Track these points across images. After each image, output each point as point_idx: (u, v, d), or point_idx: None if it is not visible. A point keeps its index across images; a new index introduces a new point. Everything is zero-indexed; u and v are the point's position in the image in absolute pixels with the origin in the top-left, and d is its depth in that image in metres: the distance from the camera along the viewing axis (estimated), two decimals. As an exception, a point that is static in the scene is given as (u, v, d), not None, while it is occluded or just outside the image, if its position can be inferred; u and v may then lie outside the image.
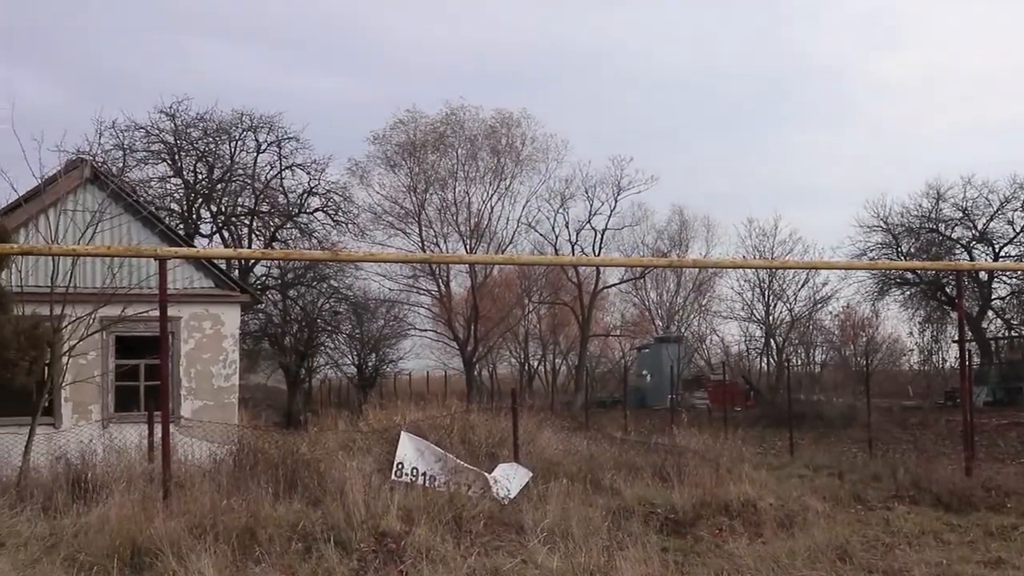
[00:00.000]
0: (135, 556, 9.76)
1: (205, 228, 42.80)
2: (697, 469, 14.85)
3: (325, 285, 42.79)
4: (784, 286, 47.11)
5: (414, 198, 47.99)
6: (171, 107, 41.69)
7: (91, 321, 16.75)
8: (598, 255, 48.43)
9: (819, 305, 47.30)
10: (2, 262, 15.00)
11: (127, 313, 17.42)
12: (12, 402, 17.55)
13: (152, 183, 41.56)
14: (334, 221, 44.33)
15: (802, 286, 47.06)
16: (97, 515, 10.53)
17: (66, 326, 16.25)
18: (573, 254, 48.01)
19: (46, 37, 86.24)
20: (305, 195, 44.01)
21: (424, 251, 45.71)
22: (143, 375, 20.79)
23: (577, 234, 49.37)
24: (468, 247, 47.25)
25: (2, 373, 14.55)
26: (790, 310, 47.29)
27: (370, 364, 45.62)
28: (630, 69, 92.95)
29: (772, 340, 46.98)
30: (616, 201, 48.90)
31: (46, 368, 16.08)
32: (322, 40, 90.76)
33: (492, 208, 48.52)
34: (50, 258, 16.73)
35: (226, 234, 42.83)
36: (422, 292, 51.10)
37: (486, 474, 14.41)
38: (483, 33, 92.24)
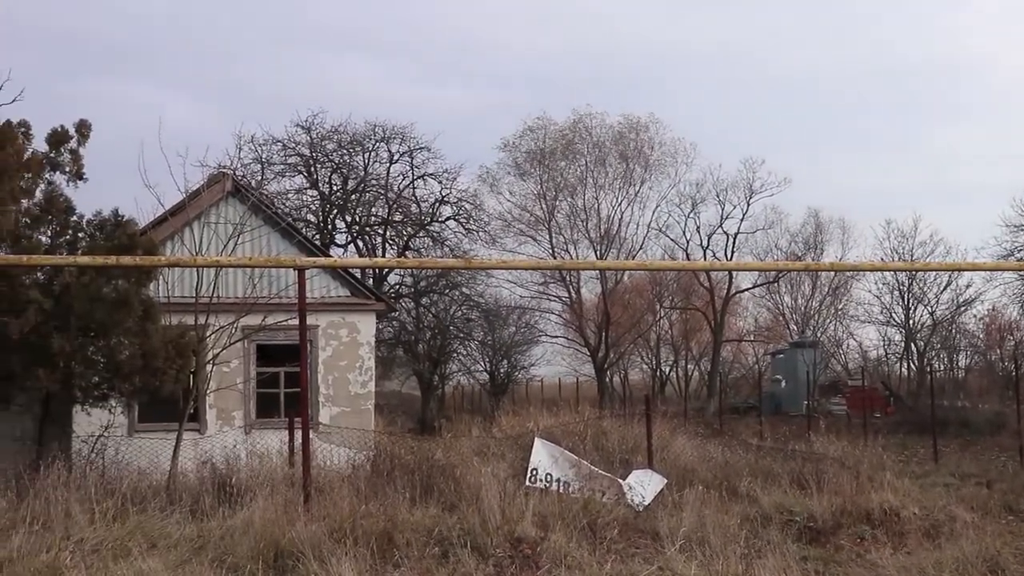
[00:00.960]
0: (278, 559, 9.96)
1: (340, 238, 43.81)
2: (836, 476, 14.50)
3: (457, 292, 43.27)
4: (925, 289, 45.60)
5: (544, 205, 48.14)
6: (307, 120, 42.81)
7: (233, 330, 17.28)
8: (730, 259, 47.77)
9: (963, 308, 45.68)
10: (150, 274, 15.58)
11: (267, 322, 17.93)
12: (160, 409, 18.25)
13: (289, 195, 42.72)
14: (465, 229, 44.81)
15: (944, 288, 45.44)
16: (242, 518, 10.80)
17: (210, 335, 16.79)
18: (705, 259, 47.44)
19: (189, 57, 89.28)
20: (437, 204, 44.60)
21: (554, 258, 45.78)
22: (283, 382, 21.34)
23: (709, 238, 48.84)
24: (598, 253, 47.13)
25: (151, 381, 15.10)
26: (931, 313, 45.75)
27: (502, 370, 45.90)
28: (760, 69, 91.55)
29: (913, 345, 45.58)
30: (748, 204, 48.17)
31: (191, 376, 16.63)
32: (451, 50, 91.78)
33: (622, 213, 48.34)
34: (195, 269, 17.34)
35: (360, 244, 43.69)
36: (553, 298, 51.22)
37: (620, 480, 14.35)
38: (607, 37, 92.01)
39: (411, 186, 44.72)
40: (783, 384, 44.79)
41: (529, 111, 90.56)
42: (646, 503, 13.62)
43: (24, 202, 14.82)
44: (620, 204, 48.21)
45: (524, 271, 47.93)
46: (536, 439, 15.16)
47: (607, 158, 47.90)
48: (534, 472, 14.47)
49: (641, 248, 48.49)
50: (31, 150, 14.95)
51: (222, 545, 10.36)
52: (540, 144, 47.93)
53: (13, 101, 15.19)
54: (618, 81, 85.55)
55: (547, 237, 48.06)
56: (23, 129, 14.74)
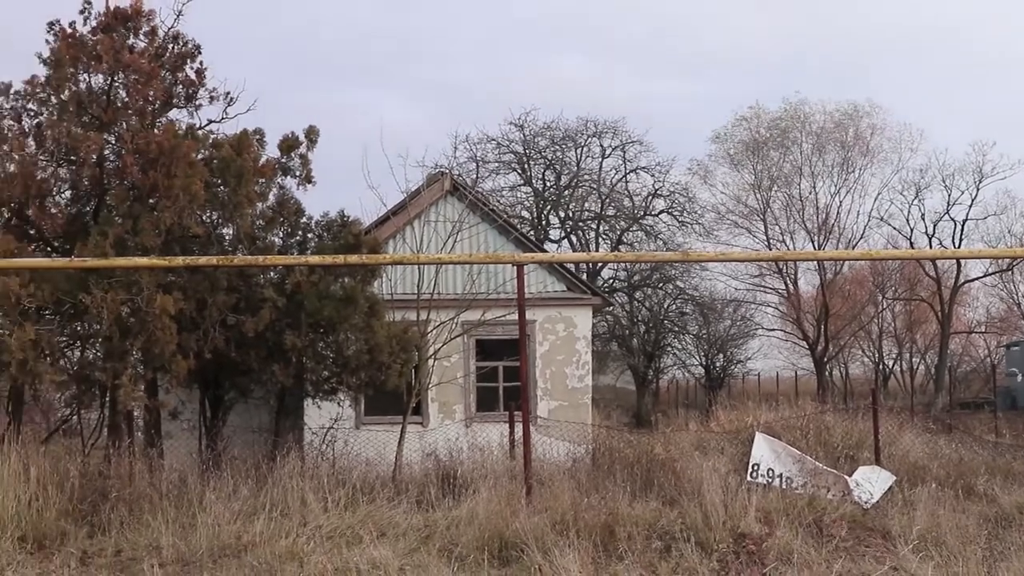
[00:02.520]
0: (502, 549, 10.10)
1: (554, 234, 44.34)
2: (1090, 476, 13.63)
3: (671, 286, 43.02)
4: None
5: (758, 196, 47.13)
6: (520, 118, 43.55)
7: (453, 325, 17.69)
8: (959, 247, 45.53)
9: None
10: (375, 272, 16.11)
11: (486, 317, 18.27)
12: (385, 402, 18.87)
13: (503, 192, 43.51)
14: (679, 222, 44.52)
15: None
16: (466, 509, 11.01)
17: (431, 331, 17.24)
18: (930, 247, 45.42)
19: (406, 60, 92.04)
20: (650, 197, 44.51)
21: (770, 249, 44.81)
22: (501, 376, 21.70)
23: (934, 226, 46.67)
24: (816, 243, 45.82)
25: (377, 375, 15.57)
26: None
27: (717, 364, 45.34)
28: (989, 47, 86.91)
29: None
30: (978, 189, 45.73)
31: (414, 370, 17.12)
32: (660, 43, 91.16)
33: (840, 202, 46.75)
34: (416, 267, 17.86)
35: (574, 239, 44.06)
36: (769, 291, 50.15)
37: (846, 477, 13.93)
38: (824, 24, 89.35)
39: (623, 180, 44.83)
40: (1020, 378, 42.50)
41: (740, 102, 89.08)
42: (874, 501, 13.16)
43: (259, 205, 15.56)
44: (839, 193, 46.72)
45: (739, 263, 47.10)
46: (757, 434, 14.89)
47: (825, 146, 46.46)
48: (755, 467, 14.20)
49: (862, 237, 46.89)
50: (265, 156, 15.69)
51: (448, 535, 10.61)
52: (753, 134, 47.01)
53: (248, 111, 16.02)
54: (832, 68, 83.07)
55: (762, 228, 47.09)
56: (257, 136, 15.48)
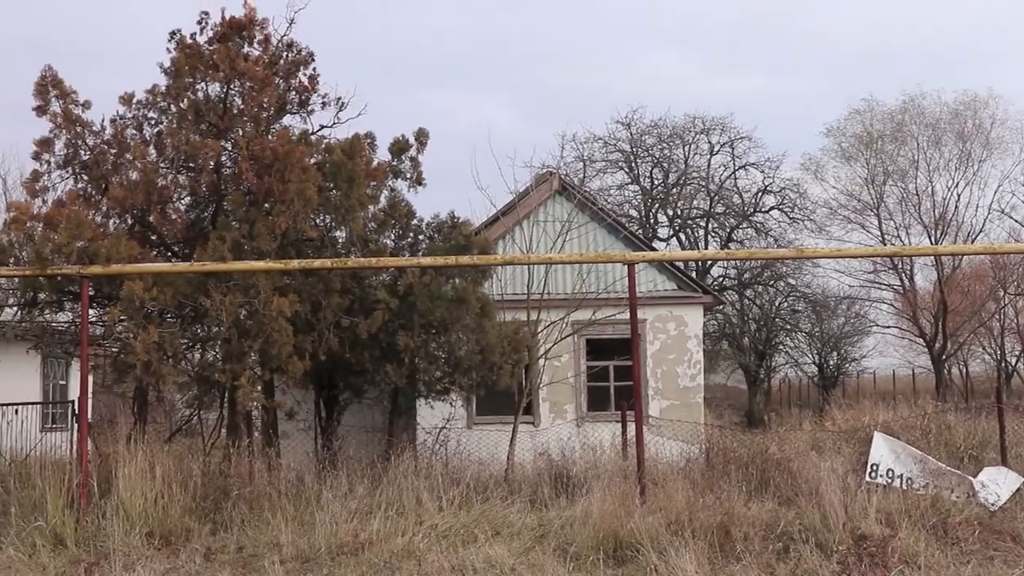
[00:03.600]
0: (617, 549, 10.10)
1: (662, 232, 44.10)
2: None
3: (783, 284, 42.41)
4: None
5: (871, 190, 46.11)
6: (626, 117, 43.47)
7: (564, 325, 17.68)
8: (1085, 239, 43.97)
9: None
10: (486, 272, 16.20)
11: (596, 317, 18.23)
12: (497, 402, 18.97)
13: (611, 191, 43.42)
14: (789, 219, 43.85)
15: None
16: (581, 509, 11.02)
17: (542, 330, 17.27)
18: (1055, 239, 43.94)
19: (512, 62, 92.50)
20: (759, 194, 43.93)
21: (884, 244, 43.79)
22: (612, 376, 21.60)
23: (1061, 217, 45.25)
24: (932, 238, 44.63)
25: (488, 375, 15.68)
26: None
27: (831, 363, 44.52)
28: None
29: None
30: (1110, 178, 44.22)
31: (525, 370, 17.15)
32: (770, 37, 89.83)
33: (958, 196, 45.47)
34: (526, 267, 17.90)
35: (682, 237, 43.75)
36: (883, 287, 49.01)
37: (970, 478, 13.53)
38: (942, 12, 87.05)
39: (732, 177, 44.35)
40: None
41: (853, 95, 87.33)
42: (1001, 503, 12.75)
43: (370, 208, 15.77)
44: (956, 186, 45.45)
45: (852, 260, 46.10)
46: (876, 434, 14.55)
47: (942, 138, 45.21)
48: (874, 467, 13.88)
49: (981, 231, 45.58)
50: (376, 160, 15.91)
51: (562, 534, 10.62)
52: (867, 128, 45.98)
53: (359, 115, 16.33)
54: (952, 58, 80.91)
55: (876, 223, 46.06)
56: (368, 140, 15.71)
